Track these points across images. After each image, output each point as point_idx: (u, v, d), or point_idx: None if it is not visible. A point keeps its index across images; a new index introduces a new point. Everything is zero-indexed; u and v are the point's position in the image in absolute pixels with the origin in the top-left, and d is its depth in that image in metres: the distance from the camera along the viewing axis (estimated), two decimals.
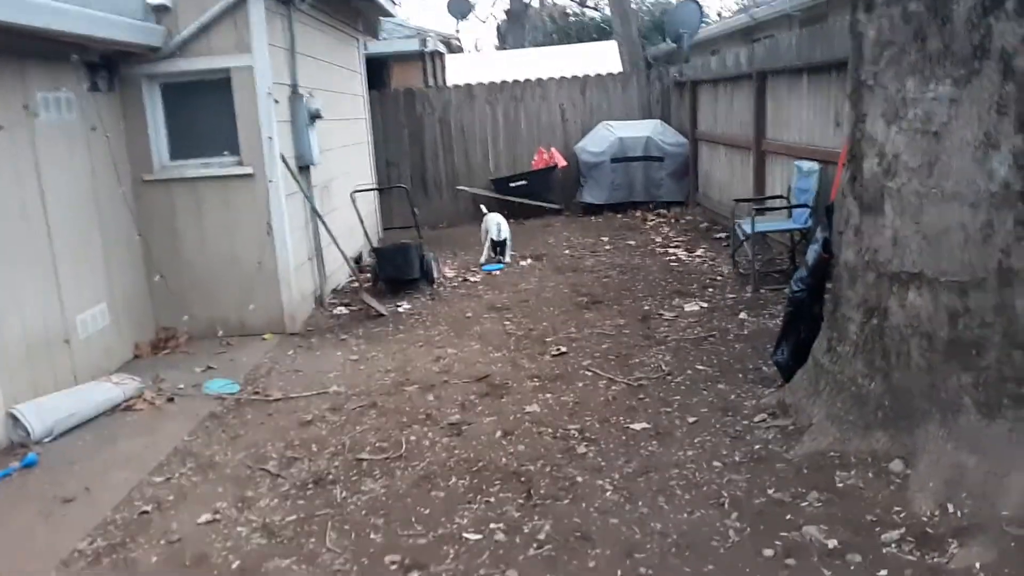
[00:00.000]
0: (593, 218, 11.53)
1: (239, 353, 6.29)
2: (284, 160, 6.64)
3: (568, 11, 29.18)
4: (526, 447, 4.09)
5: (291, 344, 6.43)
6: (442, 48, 15.63)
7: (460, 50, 19.14)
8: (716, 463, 3.73)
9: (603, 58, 15.48)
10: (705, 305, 6.46)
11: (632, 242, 9.55)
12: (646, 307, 6.58)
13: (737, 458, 3.76)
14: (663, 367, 5.11)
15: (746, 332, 5.71)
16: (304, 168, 7.25)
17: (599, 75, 12.45)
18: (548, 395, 4.80)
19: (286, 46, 6.99)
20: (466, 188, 12.06)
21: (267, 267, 6.65)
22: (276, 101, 6.51)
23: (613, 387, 4.86)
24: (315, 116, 7.19)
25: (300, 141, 7.12)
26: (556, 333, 6.04)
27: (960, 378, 3.37)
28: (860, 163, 3.71)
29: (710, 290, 6.99)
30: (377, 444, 4.31)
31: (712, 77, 10.52)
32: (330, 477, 3.99)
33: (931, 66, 3.33)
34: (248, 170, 6.52)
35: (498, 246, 8.86)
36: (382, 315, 7.00)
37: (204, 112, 6.62)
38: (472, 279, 8.25)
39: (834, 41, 6.71)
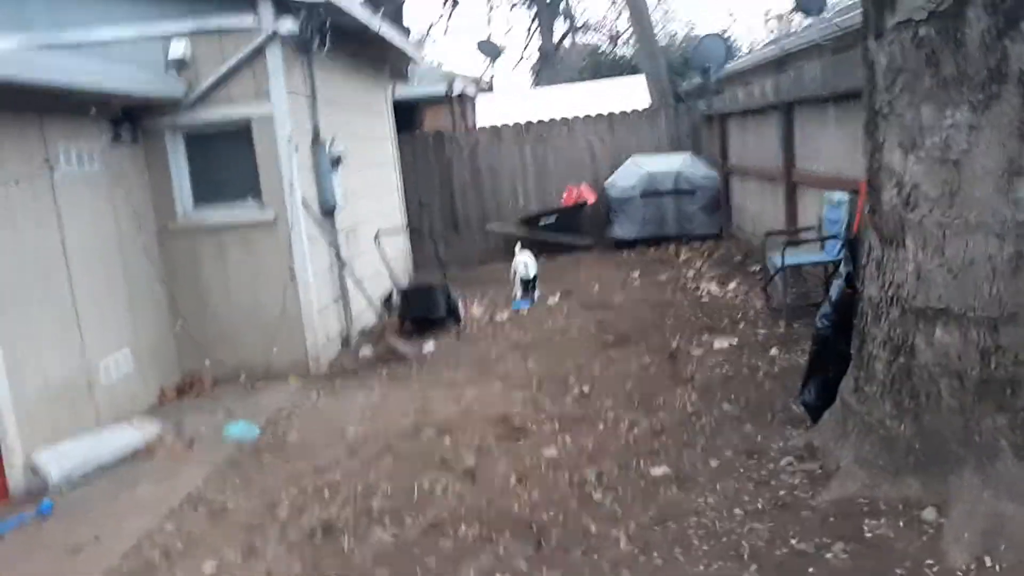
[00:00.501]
0: (624, 253, 11.39)
1: (262, 397, 6.28)
2: (306, 205, 6.68)
3: (599, 48, 29.35)
4: (540, 493, 3.96)
5: (314, 387, 6.40)
6: (471, 90, 15.78)
7: (490, 90, 19.32)
8: (738, 510, 3.55)
9: (632, 93, 15.46)
10: (735, 341, 6.27)
11: (663, 277, 9.40)
12: (674, 344, 6.41)
13: (760, 505, 3.58)
14: (688, 408, 4.94)
15: (776, 370, 5.52)
16: (328, 212, 7.28)
17: (625, 112, 12.42)
18: (567, 437, 4.66)
19: (307, 92, 7.08)
20: (496, 226, 12.04)
21: (290, 312, 6.66)
22: (297, 148, 6.57)
23: (635, 429, 4.71)
24: (337, 161, 7.25)
25: (323, 186, 7.17)
26: (579, 373, 5.91)
27: (995, 420, 3.17)
28: (879, 194, 3.56)
29: (741, 325, 6.81)
30: (389, 491, 4.21)
31: (740, 109, 10.40)
32: (339, 525, 3.90)
33: (947, 92, 3.20)
34: (270, 216, 6.57)
35: (528, 284, 8.78)
36: (406, 356, 6.95)
37: (226, 160, 6.73)
38: (499, 318, 8.17)
39: (858, 69, 6.56)
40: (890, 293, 3.50)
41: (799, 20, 20.63)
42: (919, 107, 3.29)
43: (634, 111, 12.47)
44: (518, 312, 8.39)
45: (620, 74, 21.69)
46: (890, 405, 3.51)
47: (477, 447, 4.66)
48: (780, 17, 24.45)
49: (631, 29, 15.02)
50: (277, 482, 4.55)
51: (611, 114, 12.36)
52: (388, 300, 9.05)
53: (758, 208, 9.87)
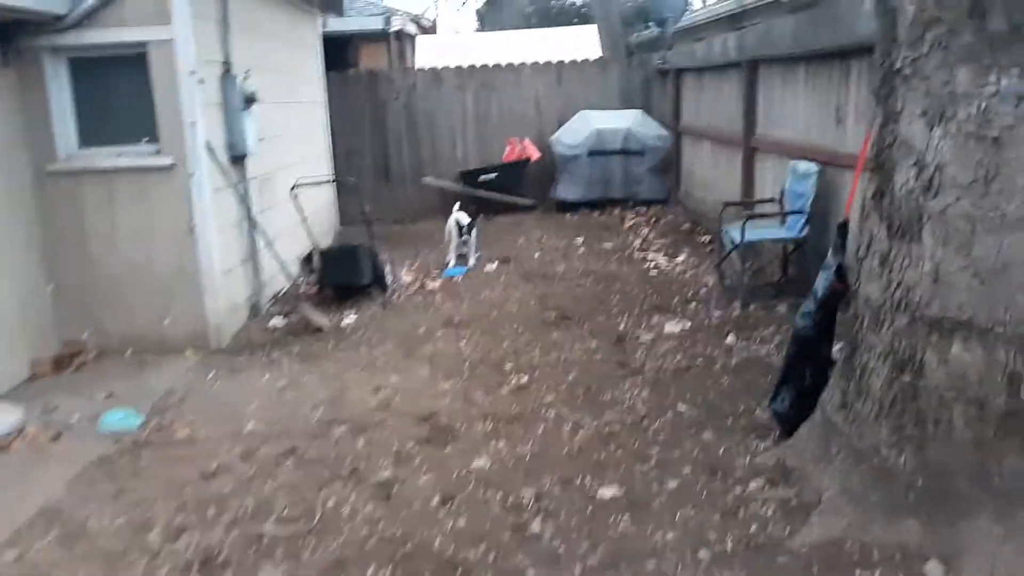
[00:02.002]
0: (568, 216, 10.72)
1: (153, 374, 5.45)
2: (210, 149, 5.77)
3: None
4: (468, 521, 3.29)
5: (214, 363, 5.59)
6: (412, 28, 14.72)
7: (434, 31, 18.22)
8: (703, 552, 2.95)
9: (582, 43, 14.64)
10: (688, 325, 5.69)
11: (608, 244, 8.76)
12: (621, 326, 5.79)
13: (729, 546, 2.98)
14: (639, 407, 4.33)
15: (734, 361, 4.95)
16: (238, 158, 6.37)
17: (576, 61, 11.63)
18: (502, 443, 4.00)
19: (217, 18, 6.11)
20: (432, 180, 11.20)
21: (189, 274, 5.79)
22: (202, 81, 5.63)
23: (580, 432, 4.07)
24: (251, 99, 6.32)
25: (233, 128, 6.24)
26: (518, 358, 5.24)
27: (1022, 459, 2.62)
28: (889, 174, 2.94)
29: (693, 305, 6.23)
30: (286, 510, 3.49)
31: (698, 65, 9.73)
32: (221, 557, 3.17)
33: (992, 51, 2.56)
34: (168, 161, 5.64)
35: (462, 232, 8.04)
36: (322, 329, 6.17)
37: (119, 93, 5.76)
38: (431, 285, 7.42)
39: (839, 26, 5.94)
40: (896, 296, 2.90)
41: None
42: (954, 68, 2.65)
43: (585, 60, 11.68)
44: (452, 280, 7.66)
45: (570, 23, 20.80)
46: (888, 430, 2.94)
47: (396, 452, 3.96)
48: None
49: None
50: (154, 491, 3.78)
51: (560, 63, 11.54)
52: (309, 260, 8.20)
53: (711, 174, 9.29)
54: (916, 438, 2.85)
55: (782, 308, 5.93)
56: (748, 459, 3.64)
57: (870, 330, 3.06)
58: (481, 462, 3.80)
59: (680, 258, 7.84)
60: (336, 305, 6.83)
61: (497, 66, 11.46)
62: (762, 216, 6.58)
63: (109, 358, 5.76)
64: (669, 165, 10.85)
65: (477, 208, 10.75)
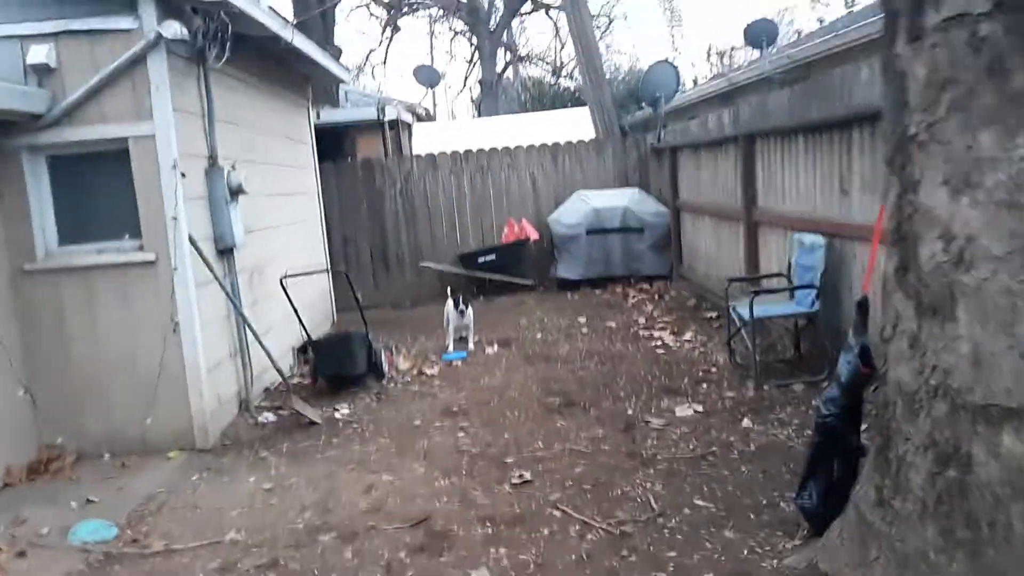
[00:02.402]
0: (569, 294, 10.50)
1: (133, 479, 5.12)
2: (194, 243, 5.58)
3: (543, 80, 28.83)
4: None
5: (199, 465, 5.26)
6: (408, 117, 14.83)
7: (429, 119, 18.42)
8: None
9: (577, 125, 14.71)
10: (700, 409, 5.37)
11: (612, 323, 8.50)
12: (629, 411, 5.48)
13: None
14: (652, 503, 3.99)
15: (752, 448, 4.62)
16: (225, 251, 6.19)
17: (572, 143, 11.62)
18: (503, 550, 3.65)
19: (200, 112, 6.02)
20: (431, 264, 11.05)
21: (172, 371, 5.52)
22: (183, 175, 5.48)
23: (589, 535, 3.72)
24: (237, 191, 6.17)
25: (219, 220, 6.08)
26: (520, 451, 4.91)
27: None
28: (914, 247, 2.70)
29: (704, 386, 5.92)
30: None
31: (693, 142, 9.67)
32: None
33: (1017, 111, 2.35)
34: (150, 256, 5.45)
35: (457, 302, 7.81)
36: (314, 424, 5.86)
37: (99, 190, 5.61)
38: (429, 372, 7.13)
39: (832, 96, 5.84)
40: (932, 381, 2.62)
41: (745, 55, 20.40)
42: (976, 132, 2.44)
43: (580, 141, 11.67)
44: (451, 364, 7.38)
45: (564, 106, 21.07)
46: (935, 532, 2.61)
47: (386, 565, 3.61)
48: (722, 54, 24.33)
49: (576, 58, 14.30)
50: None
51: (555, 144, 11.53)
52: (304, 350, 7.94)
53: (713, 249, 9.10)
54: (968, 542, 2.52)
55: (798, 387, 5.62)
56: (776, 562, 3.29)
57: (905, 419, 2.77)
58: (480, 574, 3.44)
59: (687, 335, 7.57)
60: (330, 396, 6.53)
61: (493, 150, 11.45)
62: (770, 292, 6.33)
63: (88, 462, 5.44)
64: (669, 241, 10.69)
65: (477, 289, 10.61)
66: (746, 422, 5.04)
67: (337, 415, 6.03)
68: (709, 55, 27.07)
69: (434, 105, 29.77)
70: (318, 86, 10.81)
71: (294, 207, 8.70)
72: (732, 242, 8.37)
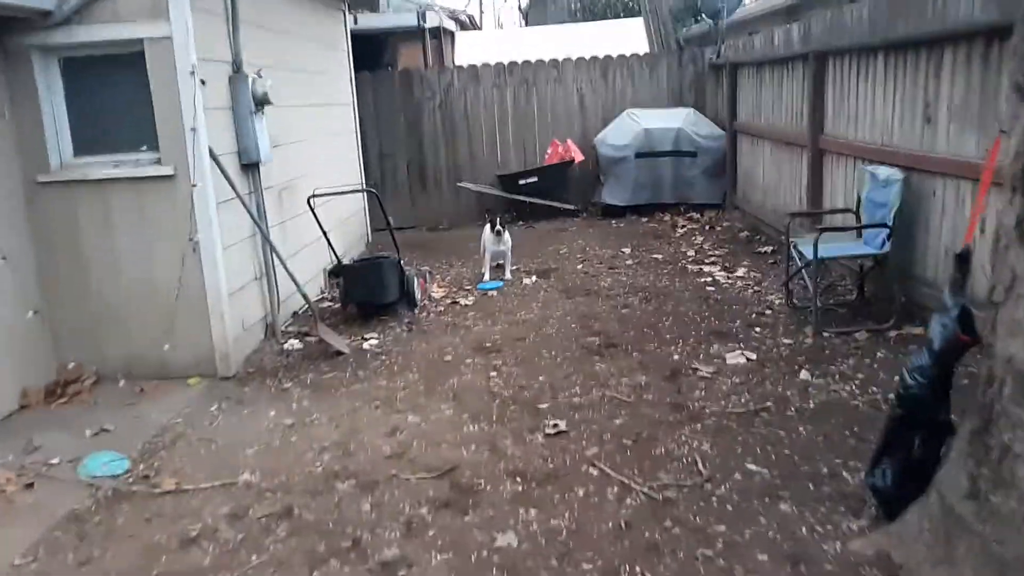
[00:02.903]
0: (614, 222, 9.99)
1: (151, 407, 4.90)
2: (214, 157, 5.21)
3: None
4: None
5: (219, 394, 5.03)
6: (451, 25, 14.12)
7: (476, 28, 17.59)
8: None
9: (629, 37, 13.87)
10: (753, 356, 4.94)
11: (659, 255, 8.03)
12: (675, 355, 5.07)
13: None
14: (700, 466, 3.62)
15: (812, 405, 4.20)
16: (250, 166, 5.82)
17: (623, 56, 10.88)
18: (532, 512, 3.33)
19: (224, 13, 5.55)
20: (468, 184, 10.58)
21: (192, 294, 5.24)
22: (203, 82, 5.06)
23: (628, 500, 3.38)
24: (263, 101, 5.74)
25: (243, 133, 5.69)
26: (555, 395, 4.56)
27: None
28: None
29: (758, 331, 5.48)
30: None
31: (756, 59, 8.92)
32: None
33: None
34: (168, 170, 5.09)
35: (494, 226, 7.39)
36: (342, 353, 5.58)
37: (116, 97, 5.23)
38: (463, 302, 6.79)
39: (923, 11, 5.16)
40: None
41: None
42: None
43: (633, 55, 10.92)
44: (487, 295, 7.02)
45: (616, 17, 19.99)
46: None
47: (407, 521, 3.32)
48: None
49: None
50: (122, 563, 3.22)
51: (606, 58, 10.81)
52: (335, 273, 7.64)
53: (772, 177, 8.48)
54: None
55: (861, 335, 5.15)
56: (839, 545, 2.92)
57: (1014, 401, 2.32)
58: (507, 539, 3.13)
59: (740, 272, 7.07)
60: (359, 324, 6.24)
61: (539, 62, 10.78)
62: (838, 230, 5.77)
63: (108, 385, 5.25)
64: (723, 167, 10.05)
65: (517, 213, 10.16)
66: (804, 374, 4.61)
67: (365, 345, 5.74)
68: None
69: (480, 14, 28.67)
70: None
71: (327, 119, 8.26)
72: (794, 171, 7.75)
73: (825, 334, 5.24)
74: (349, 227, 8.77)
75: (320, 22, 8.22)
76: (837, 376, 4.56)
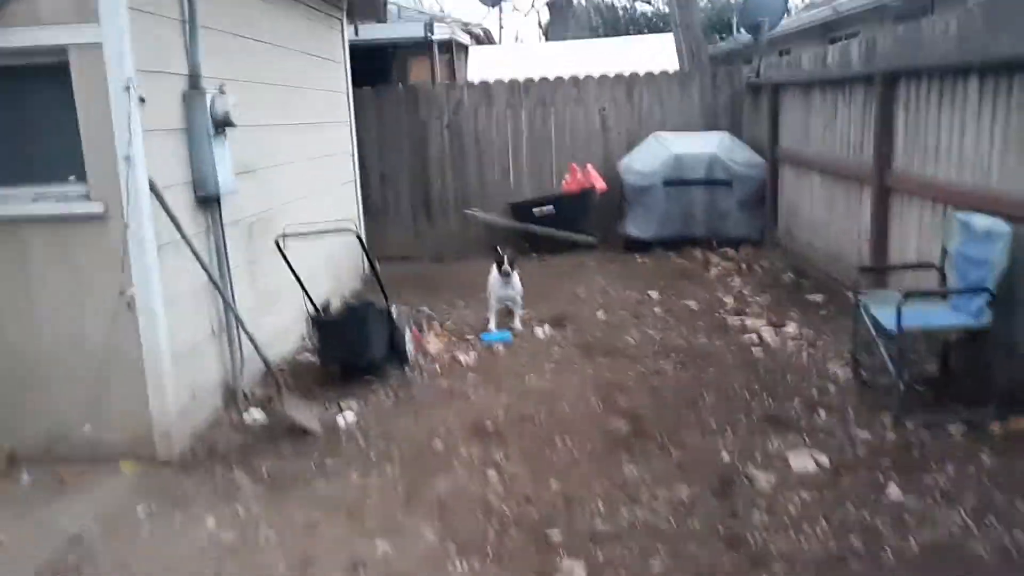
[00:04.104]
0: (639, 258, 8.96)
1: (65, 506, 3.90)
2: (156, 191, 4.23)
3: (616, 3, 26.57)
4: None
5: (153, 487, 4.03)
6: (464, 39, 13.18)
7: (491, 42, 16.66)
8: None
9: (657, 54, 12.88)
10: (824, 459, 3.87)
11: (691, 302, 6.98)
12: (724, 453, 4.02)
13: None
14: None
15: (913, 546, 3.13)
16: (208, 200, 4.84)
17: (651, 74, 9.88)
18: None
19: (179, 15, 4.59)
20: (477, 212, 9.59)
21: (125, 359, 4.25)
22: (142, 99, 4.09)
23: None
24: (224, 122, 4.76)
25: (200, 160, 4.72)
26: (571, 516, 3.50)
27: None
28: None
29: (822, 415, 4.42)
30: None
31: (804, 79, 7.89)
32: None
33: None
34: (97, 208, 4.12)
35: (502, 265, 6.39)
36: (310, 433, 4.57)
37: (38, 116, 4.26)
38: (464, 358, 5.77)
39: None
40: None
41: None
42: None
43: (662, 73, 9.92)
44: (491, 348, 6.00)
45: (640, 33, 19.05)
46: None
47: None
48: None
49: None
50: None
51: (632, 75, 9.82)
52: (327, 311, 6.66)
53: (823, 214, 7.43)
54: None
55: (956, 429, 4.09)
56: None
57: None
58: None
59: (789, 328, 6.01)
60: (338, 388, 5.24)
61: (558, 79, 9.80)
62: (927, 293, 4.69)
63: (26, 466, 4.26)
64: (762, 198, 9.00)
65: (530, 246, 9.17)
66: (893, 490, 3.54)
67: (341, 420, 4.72)
68: None
69: (500, 29, 27.82)
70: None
71: (317, 140, 7.29)
72: (851, 209, 6.70)
73: (909, 425, 4.18)
74: (341, 262, 7.79)
75: (312, 32, 7.28)
76: (938, 494, 3.49)
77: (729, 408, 4.57)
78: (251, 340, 4.90)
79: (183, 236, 4.41)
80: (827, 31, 14.59)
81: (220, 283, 4.93)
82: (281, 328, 5.89)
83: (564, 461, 4.03)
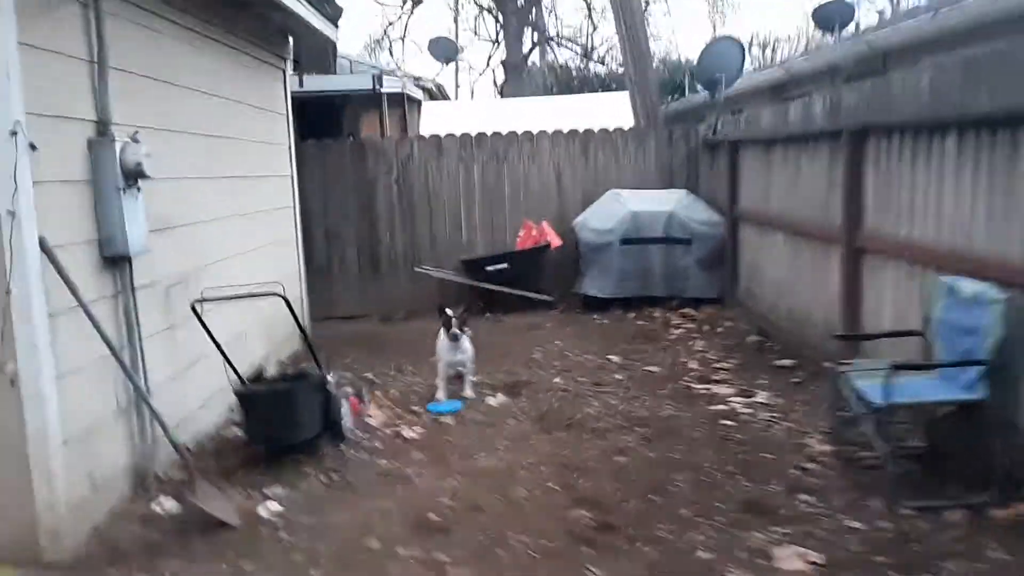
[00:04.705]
0: (596, 317, 8.56)
1: None
2: (47, 250, 3.67)
3: (570, 64, 26.76)
4: None
5: None
6: (416, 93, 12.88)
7: (444, 97, 16.42)
8: None
9: (612, 112, 12.72)
10: (815, 558, 3.41)
11: (654, 367, 6.55)
12: (701, 551, 3.52)
13: None
14: None
15: None
16: (117, 260, 4.28)
17: (606, 131, 9.64)
18: None
19: (86, 54, 4.10)
20: (428, 269, 9.13)
21: (6, 442, 3.62)
22: (33, 147, 3.56)
23: None
24: (135, 174, 4.24)
25: (107, 215, 4.18)
26: None
27: None
28: None
29: (807, 500, 3.97)
30: None
31: (765, 136, 7.67)
32: None
33: None
34: None
35: (449, 326, 5.88)
36: (227, 525, 3.96)
37: None
38: (408, 433, 5.22)
39: (1015, 77, 3.89)
40: None
41: (793, 47, 18.25)
42: None
43: (617, 130, 9.69)
44: (439, 420, 5.47)
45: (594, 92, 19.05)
46: None
47: None
48: (765, 45, 22.06)
49: (616, 29, 12.23)
50: None
51: (587, 132, 9.56)
52: (258, 380, 6.05)
53: (787, 274, 7.12)
54: None
55: (954, 515, 3.67)
56: None
57: None
58: None
59: (760, 397, 5.61)
60: (264, 468, 4.63)
61: (512, 134, 9.49)
62: (917, 368, 4.29)
63: None
64: (721, 257, 8.71)
65: (484, 305, 8.72)
66: None
67: (263, 510, 4.11)
68: (751, 46, 24.86)
69: (456, 88, 27.75)
70: (308, 49, 8.85)
71: (251, 195, 6.77)
72: (818, 270, 6.39)
73: (903, 511, 3.75)
74: (277, 323, 7.21)
75: (250, 80, 6.83)
76: None
77: (703, 492, 4.09)
78: (158, 419, 4.28)
79: (80, 302, 3.82)
80: (779, 91, 14.64)
81: (130, 351, 4.36)
82: (207, 398, 5.29)
83: (520, 563, 3.48)
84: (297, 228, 8.16)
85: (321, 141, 9.26)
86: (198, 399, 5.20)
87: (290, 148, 8.01)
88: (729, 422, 5.16)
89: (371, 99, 11.14)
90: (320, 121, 11.54)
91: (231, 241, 6.11)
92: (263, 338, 6.61)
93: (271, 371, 6.78)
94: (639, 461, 4.55)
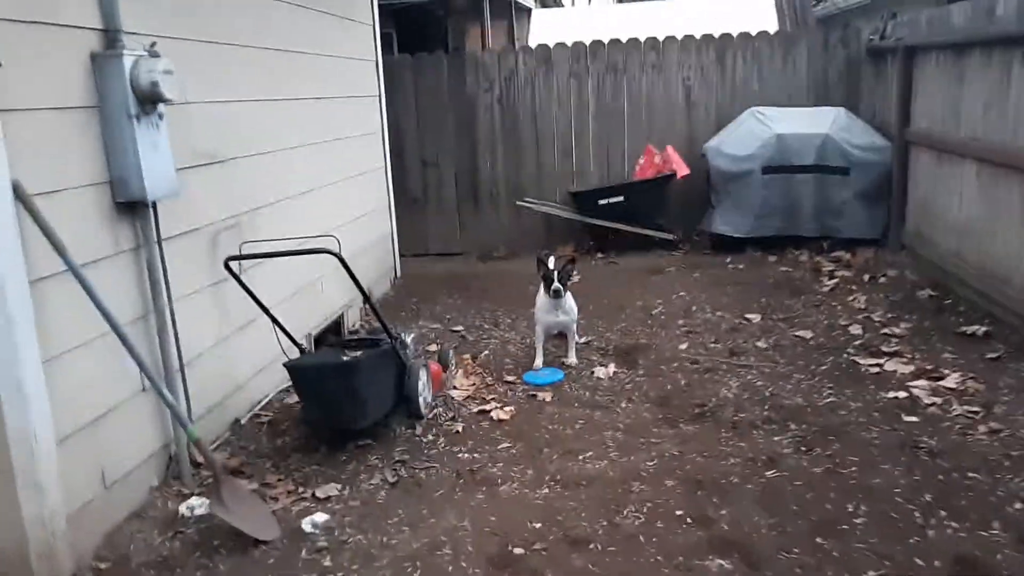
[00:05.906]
0: (730, 261, 7.31)
1: None
2: (23, 198, 2.84)
3: None
4: None
5: None
6: (526, 0, 11.56)
7: (557, 5, 14.96)
8: None
9: (750, 16, 11.02)
10: None
11: (806, 332, 5.30)
12: None
13: None
14: None
15: None
16: (134, 206, 3.44)
17: (746, 35, 8.12)
18: None
19: None
20: (532, 203, 8.08)
21: None
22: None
23: None
24: (153, 97, 3.33)
25: (117, 150, 3.32)
26: None
27: None
28: None
29: None
30: None
31: (957, 39, 6.04)
32: None
33: None
34: None
35: (551, 282, 4.78)
36: (263, 541, 3.16)
37: None
38: (497, 414, 4.28)
39: None
40: None
41: None
42: None
43: (761, 34, 8.17)
44: (536, 396, 4.50)
45: None
46: None
47: None
48: None
49: None
50: None
51: (724, 37, 8.10)
52: (324, 341, 5.27)
53: (980, 216, 5.63)
54: None
55: None
56: None
57: None
58: None
59: (949, 382, 4.31)
60: (320, 459, 3.82)
61: (632, 42, 8.15)
62: None
63: None
64: (887, 191, 7.21)
65: (595, 243, 7.67)
66: None
67: (307, 523, 3.27)
68: None
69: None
70: None
71: (325, 119, 5.83)
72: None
73: None
74: (367, 260, 6.44)
75: None
76: None
77: (893, 539, 2.94)
78: (172, 410, 3.46)
79: (67, 262, 2.98)
80: None
81: (157, 317, 3.57)
82: (267, 361, 4.49)
83: None
84: (386, 156, 7.24)
85: (414, 56, 8.23)
86: (252, 365, 4.42)
87: (377, 64, 7.01)
88: (912, 418, 3.93)
89: (477, 9, 9.99)
90: (420, 34, 10.52)
91: (300, 176, 5.23)
92: (341, 285, 5.77)
93: (354, 322, 6.03)
94: (797, 478, 3.42)
